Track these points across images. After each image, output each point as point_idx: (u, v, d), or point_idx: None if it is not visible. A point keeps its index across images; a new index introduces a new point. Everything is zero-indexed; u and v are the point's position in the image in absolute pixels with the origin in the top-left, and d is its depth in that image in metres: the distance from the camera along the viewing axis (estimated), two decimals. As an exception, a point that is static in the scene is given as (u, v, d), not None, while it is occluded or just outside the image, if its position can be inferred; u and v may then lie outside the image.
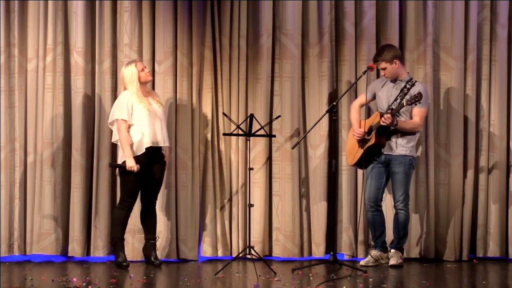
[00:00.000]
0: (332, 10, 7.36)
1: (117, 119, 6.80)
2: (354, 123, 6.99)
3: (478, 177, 7.35)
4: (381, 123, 6.65)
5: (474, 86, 7.32)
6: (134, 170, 6.72)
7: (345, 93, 6.99)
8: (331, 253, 6.67)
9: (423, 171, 7.29)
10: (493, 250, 7.31)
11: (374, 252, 6.93)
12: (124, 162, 6.76)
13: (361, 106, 7.05)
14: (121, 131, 6.78)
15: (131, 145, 6.78)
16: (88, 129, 7.24)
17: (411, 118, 6.82)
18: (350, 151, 6.98)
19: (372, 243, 7.02)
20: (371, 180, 6.89)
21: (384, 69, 6.85)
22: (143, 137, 6.79)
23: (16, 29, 7.25)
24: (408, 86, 6.79)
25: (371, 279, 6.26)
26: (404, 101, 6.62)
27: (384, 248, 6.98)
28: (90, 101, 7.26)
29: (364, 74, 6.84)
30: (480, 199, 7.34)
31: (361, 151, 6.80)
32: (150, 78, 6.93)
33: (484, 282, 6.25)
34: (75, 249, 7.20)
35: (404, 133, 6.80)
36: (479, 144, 7.35)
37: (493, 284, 6.17)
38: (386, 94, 6.88)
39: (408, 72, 6.98)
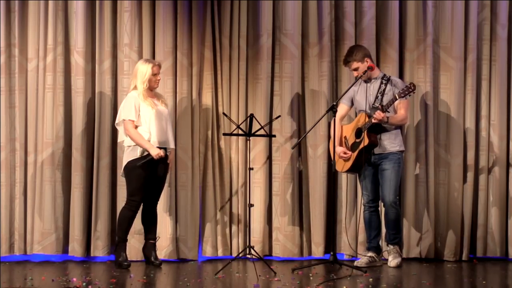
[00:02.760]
0: (332, 10, 7.36)
1: (124, 120, 6.80)
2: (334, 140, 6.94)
3: (478, 177, 7.35)
4: (373, 121, 6.64)
5: (474, 86, 7.32)
6: (162, 155, 6.73)
7: (345, 93, 6.99)
8: (331, 253, 6.66)
9: (423, 171, 7.30)
10: (493, 250, 7.32)
11: (369, 254, 6.93)
12: (146, 155, 6.74)
13: (342, 118, 7.02)
14: (130, 130, 6.77)
15: (136, 147, 6.77)
16: (89, 129, 7.25)
17: (394, 112, 6.82)
18: (337, 159, 6.93)
19: (366, 244, 7.01)
20: (368, 183, 6.87)
21: (356, 69, 6.84)
22: (151, 137, 6.78)
23: (17, 29, 7.26)
24: (384, 81, 6.79)
25: (371, 279, 6.26)
26: (396, 95, 6.61)
27: (378, 250, 6.97)
28: (90, 101, 7.27)
29: (364, 74, 6.84)
30: (480, 199, 7.34)
31: (352, 154, 6.79)
32: (156, 86, 6.90)
33: (484, 282, 6.25)
34: (75, 249, 7.20)
35: (390, 129, 6.79)
36: (479, 144, 7.36)
37: (493, 284, 6.17)
38: (365, 95, 6.85)
39: (380, 70, 6.97)
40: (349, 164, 6.84)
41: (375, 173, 6.87)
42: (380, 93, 6.76)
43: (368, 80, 6.89)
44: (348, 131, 6.89)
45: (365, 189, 6.90)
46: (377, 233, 6.95)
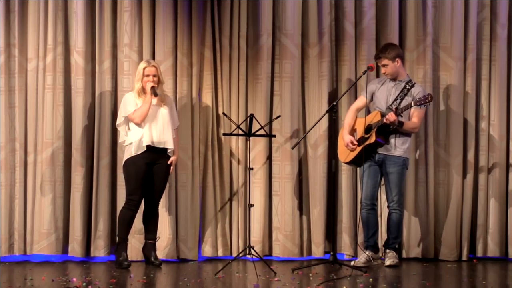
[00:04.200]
0: (332, 10, 7.36)
1: (126, 116, 6.80)
2: (346, 127, 6.96)
3: (478, 177, 7.35)
4: (385, 121, 6.65)
5: (474, 86, 7.32)
6: (152, 85, 6.77)
7: (345, 93, 6.99)
8: (331, 253, 6.66)
9: (423, 171, 7.30)
10: (493, 250, 7.32)
11: (366, 252, 6.93)
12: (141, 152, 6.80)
13: (359, 110, 7.03)
14: (134, 115, 6.76)
15: (131, 145, 6.80)
16: (88, 129, 7.24)
17: (408, 118, 6.83)
18: (343, 148, 6.97)
19: (364, 243, 7.01)
20: (367, 179, 6.89)
21: (385, 66, 6.84)
22: (142, 136, 6.80)
23: (16, 29, 7.25)
24: (408, 86, 6.81)
25: (371, 279, 6.26)
26: (412, 102, 6.61)
27: (375, 249, 6.98)
28: (90, 101, 7.26)
29: (364, 74, 6.83)
30: (479, 199, 7.35)
31: (358, 148, 6.80)
32: (146, 87, 6.82)
33: (484, 282, 6.25)
34: (75, 249, 7.20)
35: (401, 134, 6.81)
36: (479, 144, 7.36)
37: (493, 284, 6.17)
38: (386, 94, 6.88)
39: (407, 74, 6.99)
40: (352, 156, 6.84)
41: (378, 171, 6.88)
42: (400, 97, 6.78)
43: (393, 80, 6.89)
44: (360, 125, 6.89)
45: (364, 184, 6.90)
46: (375, 231, 6.96)
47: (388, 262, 6.88)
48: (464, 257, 7.28)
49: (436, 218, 7.33)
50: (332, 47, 7.37)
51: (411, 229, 7.30)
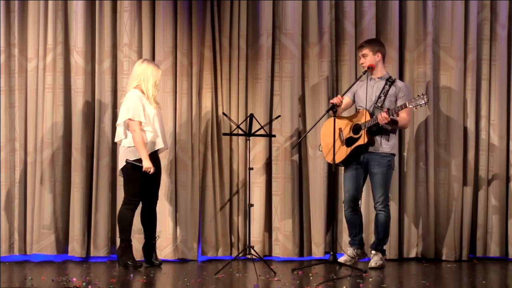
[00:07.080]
0: (332, 10, 7.36)
1: (131, 120, 6.67)
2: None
3: (478, 177, 7.35)
4: (380, 122, 6.62)
5: (474, 86, 7.32)
6: (150, 171, 6.68)
7: (345, 93, 6.99)
8: (331, 253, 6.66)
9: (423, 171, 7.30)
10: (493, 250, 7.32)
11: (351, 250, 6.93)
12: (140, 161, 6.68)
13: (342, 111, 6.98)
14: (136, 132, 6.67)
15: (138, 148, 6.77)
16: (88, 129, 7.25)
17: (397, 115, 6.81)
18: (328, 147, 6.86)
19: (349, 239, 6.98)
20: (350, 182, 6.83)
21: (365, 56, 6.81)
22: (157, 138, 6.76)
23: (16, 29, 7.26)
24: (388, 83, 6.80)
25: (371, 279, 6.27)
26: (407, 102, 6.59)
27: (361, 245, 6.97)
28: (90, 101, 7.26)
29: (364, 74, 6.83)
30: (480, 199, 7.35)
31: (346, 149, 6.77)
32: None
33: (484, 282, 6.25)
34: (75, 249, 7.20)
35: (386, 131, 6.78)
36: (479, 144, 7.36)
37: (493, 284, 6.17)
38: (369, 92, 6.84)
39: (387, 71, 6.96)
40: (342, 157, 6.80)
41: (361, 174, 6.84)
42: (383, 94, 6.77)
43: (372, 78, 6.88)
44: (343, 124, 6.85)
45: (347, 187, 6.86)
46: (359, 229, 6.92)
47: (372, 263, 6.84)
48: (464, 257, 7.28)
49: (436, 218, 7.33)
50: (332, 47, 7.37)
51: (411, 229, 7.30)
